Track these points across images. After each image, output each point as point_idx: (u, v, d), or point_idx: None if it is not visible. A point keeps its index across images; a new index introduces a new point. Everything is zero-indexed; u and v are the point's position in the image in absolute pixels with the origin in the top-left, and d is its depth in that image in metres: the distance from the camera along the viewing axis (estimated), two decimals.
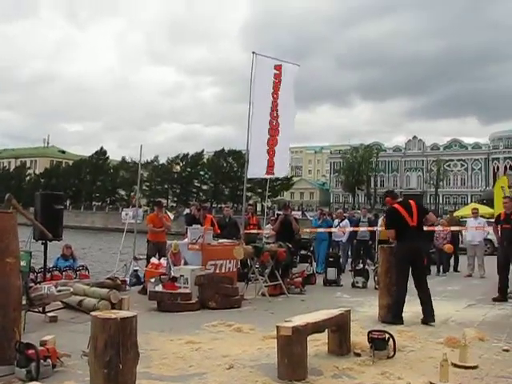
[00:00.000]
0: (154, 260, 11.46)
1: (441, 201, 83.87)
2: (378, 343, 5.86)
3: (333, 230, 16.07)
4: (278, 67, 12.41)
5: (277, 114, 12.29)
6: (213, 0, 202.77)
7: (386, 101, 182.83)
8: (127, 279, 11.94)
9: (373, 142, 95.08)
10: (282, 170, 13.21)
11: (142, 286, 11.16)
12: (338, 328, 6.09)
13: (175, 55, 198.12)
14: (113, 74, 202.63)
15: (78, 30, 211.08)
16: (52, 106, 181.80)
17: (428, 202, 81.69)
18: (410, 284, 8.27)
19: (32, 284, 7.70)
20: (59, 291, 6.20)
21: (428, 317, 7.96)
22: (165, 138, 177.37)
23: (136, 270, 12.80)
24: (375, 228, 15.59)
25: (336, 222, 16.67)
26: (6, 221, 5.58)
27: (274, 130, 12.30)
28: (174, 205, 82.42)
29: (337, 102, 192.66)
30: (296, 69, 13.04)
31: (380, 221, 16.29)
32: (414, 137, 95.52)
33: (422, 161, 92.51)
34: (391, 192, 9.67)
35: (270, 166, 12.36)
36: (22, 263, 6.50)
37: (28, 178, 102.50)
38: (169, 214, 15.30)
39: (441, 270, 15.92)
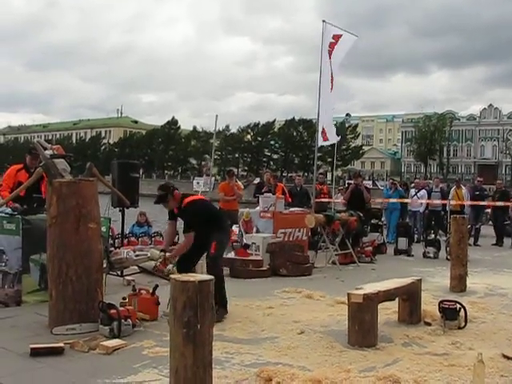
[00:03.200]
0: None
1: None
2: (449, 313, 5.85)
3: (405, 200, 15.87)
4: (336, 37, 12.23)
5: (332, 82, 12.20)
6: None
7: (463, 68, 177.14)
8: None
9: (446, 110, 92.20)
10: (333, 137, 13.08)
11: None
12: (409, 297, 6.11)
13: (250, 25, 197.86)
14: (188, 44, 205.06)
15: (153, 1, 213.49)
16: (128, 78, 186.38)
17: (504, 172, 79.05)
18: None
19: (112, 248, 8.05)
20: (137, 256, 6.46)
21: None
22: (238, 107, 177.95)
23: None
24: (448, 199, 15.31)
25: (413, 191, 16.41)
26: (88, 188, 5.85)
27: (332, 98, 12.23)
28: (245, 174, 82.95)
29: (412, 70, 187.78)
30: (353, 39, 12.84)
31: (452, 191, 16.02)
32: (490, 105, 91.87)
33: (498, 130, 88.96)
34: None
35: (324, 133, 12.31)
36: (102, 229, 6.79)
37: (103, 147, 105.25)
38: (239, 182, 15.50)
39: None
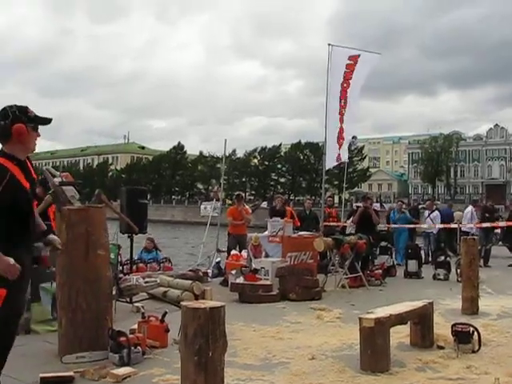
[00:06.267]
0: (234, 252, 11.66)
1: None
2: (463, 336, 5.77)
3: (422, 225, 15.90)
4: (354, 58, 12.34)
5: (344, 102, 12.26)
6: None
7: (473, 88, 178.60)
8: (209, 271, 12.22)
9: (452, 131, 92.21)
10: (344, 156, 13.15)
11: (223, 277, 11.37)
12: (421, 320, 6.05)
13: (261, 48, 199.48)
14: (199, 69, 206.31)
15: (166, 27, 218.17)
16: (138, 104, 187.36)
17: None
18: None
19: (121, 275, 8.04)
20: (146, 282, 6.45)
21: None
22: (248, 131, 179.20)
23: (218, 262, 13.05)
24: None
25: (426, 213, 16.42)
26: (96, 215, 5.86)
27: (341, 119, 12.29)
28: (252, 198, 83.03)
29: (422, 91, 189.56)
30: (376, 57, 12.92)
31: (467, 211, 16.06)
32: (496, 125, 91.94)
33: (505, 149, 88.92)
34: None
35: (339, 154, 12.36)
36: (111, 255, 6.79)
37: (110, 173, 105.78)
38: (247, 207, 15.51)
39: None
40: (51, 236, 4.12)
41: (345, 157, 13.23)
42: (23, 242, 3.73)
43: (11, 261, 3.49)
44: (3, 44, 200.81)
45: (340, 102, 12.20)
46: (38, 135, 3.83)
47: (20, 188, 3.61)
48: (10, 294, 3.51)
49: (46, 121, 3.88)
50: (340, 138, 12.24)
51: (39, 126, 3.83)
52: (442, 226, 15.73)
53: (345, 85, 12.24)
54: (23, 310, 4.01)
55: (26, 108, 3.76)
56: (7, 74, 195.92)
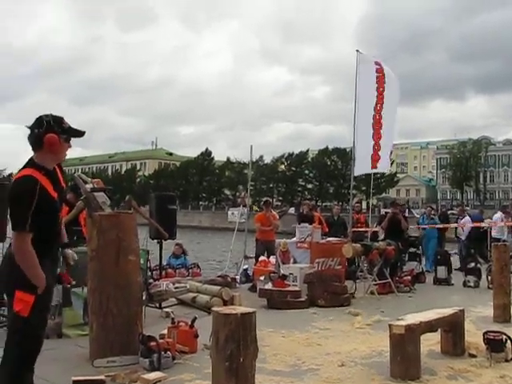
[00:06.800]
0: (262, 258, 11.67)
1: None
2: (495, 345, 5.67)
3: (441, 226, 15.73)
4: (380, 70, 12.36)
5: (381, 107, 12.20)
6: None
7: (502, 93, 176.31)
8: (237, 277, 12.24)
9: (481, 136, 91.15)
10: (384, 166, 13.08)
11: (251, 283, 11.38)
12: (452, 328, 5.98)
13: (288, 54, 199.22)
14: (227, 75, 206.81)
15: (194, 35, 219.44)
16: (166, 110, 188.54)
17: None
18: None
19: (151, 280, 8.10)
20: (176, 288, 6.49)
21: None
22: (275, 137, 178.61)
23: (246, 269, 13.08)
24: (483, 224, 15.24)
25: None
26: (127, 221, 5.92)
27: (377, 124, 12.22)
28: (279, 204, 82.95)
29: (450, 95, 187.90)
30: (394, 77, 13.01)
31: (497, 217, 15.87)
32: None
33: None
34: None
35: (375, 160, 12.28)
36: (141, 261, 6.85)
37: (138, 179, 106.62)
38: (274, 213, 15.52)
39: None
40: (66, 250, 4.19)
41: (386, 166, 13.16)
42: (50, 251, 3.81)
43: (42, 272, 3.63)
44: (34, 53, 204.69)
45: (376, 106, 12.14)
46: (70, 146, 3.89)
47: (48, 198, 3.68)
48: (37, 301, 3.63)
49: (79, 133, 3.94)
50: (376, 144, 12.16)
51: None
52: (472, 225, 15.63)
53: (380, 89, 12.19)
54: (48, 315, 4.13)
55: (61, 119, 3.83)
56: (38, 82, 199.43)
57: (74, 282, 6.07)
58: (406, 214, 16.90)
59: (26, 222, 3.52)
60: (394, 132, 13.01)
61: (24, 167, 3.73)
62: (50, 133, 3.68)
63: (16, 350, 3.68)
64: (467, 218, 16.13)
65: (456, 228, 16.56)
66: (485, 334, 5.82)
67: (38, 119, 3.75)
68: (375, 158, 12.27)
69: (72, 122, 3.91)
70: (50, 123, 3.71)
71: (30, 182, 3.58)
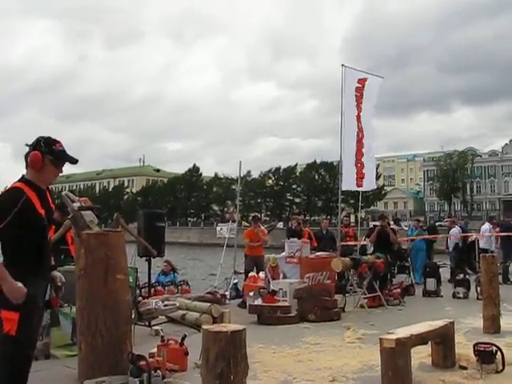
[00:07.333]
0: (252, 274, 11.64)
1: None
2: (486, 356, 5.67)
3: (427, 236, 15.83)
4: (362, 80, 12.43)
5: (360, 125, 12.30)
6: (312, 15, 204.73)
7: (488, 105, 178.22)
8: (227, 293, 12.20)
9: (467, 147, 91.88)
10: (369, 183, 13.13)
11: (241, 299, 11.34)
12: (442, 340, 5.98)
13: (276, 70, 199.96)
14: (214, 91, 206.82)
15: (181, 51, 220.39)
16: (154, 127, 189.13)
17: None
18: None
19: (140, 298, 8.05)
20: (165, 306, 6.45)
21: None
22: (263, 152, 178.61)
23: (236, 284, 13.05)
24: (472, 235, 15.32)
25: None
26: (115, 239, 5.86)
27: (359, 143, 12.31)
28: (268, 218, 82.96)
29: (436, 108, 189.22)
30: (379, 81, 13.05)
31: (484, 228, 15.94)
32: (511, 140, 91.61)
33: None
34: None
35: (360, 178, 12.33)
36: (130, 279, 6.79)
37: (126, 196, 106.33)
38: (263, 227, 15.53)
39: None
40: (53, 273, 4.18)
41: (371, 183, 13.24)
42: (38, 268, 3.79)
43: (17, 284, 3.58)
44: (22, 72, 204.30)
45: (358, 124, 12.24)
46: (58, 171, 3.94)
47: (34, 213, 3.70)
48: (22, 318, 3.61)
49: (71, 160, 4.00)
50: (358, 161, 12.22)
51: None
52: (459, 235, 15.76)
53: (358, 108, 12.29)
54: (37, 335, 4.08)
55: (54, 142, 3.88)
56: (26, 100, 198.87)
57: (65, 305, 6.03)
58: (395, 227, 16.95)
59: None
60: (373, 145, 13.00)
61: (15, 182, 3.81)
62: (35, 151, 3.74)
63: (6, 371, 3.65)
64: (455, 229, 16.21)
65: (447, 240, 16.65)
66: (475, 345, 5.83)
67: (34, 140, 3.83)
68: (360, 176, 12.33)
69: (60, 139, 3.93)
70: (39, 143, 3.79)
71: (15, 193, 3.66)
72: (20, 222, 3.56)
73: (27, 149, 3.85)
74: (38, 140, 3.81)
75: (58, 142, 3.88)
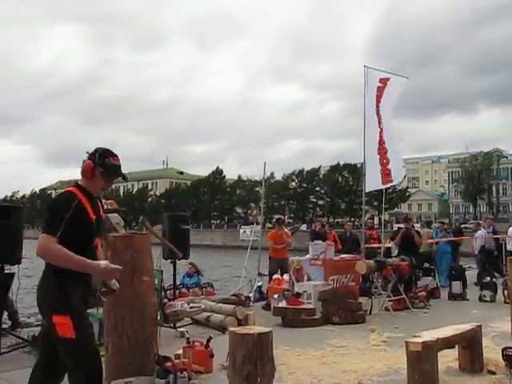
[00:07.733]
0: (276, 276, 11.64)
1: None
2: None
3: (451, 239, 15.67)
4: (384, 80, 12.34)
5: (381, 125, 12.23)
6: (334, 15, 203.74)
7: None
8: (251, 295, 12.21)
9: (493, 148, 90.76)
10: (397, 174, 13.00)
11: (265, 301, 11.34)
12: (469, 344, 5.92)
13: (299, 72, 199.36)
14: (237, 94, 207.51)
15: (204, 54, 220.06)
16: (177, 129, 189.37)
17: None
18: None
19: (166, 301, 8.09)
20: (191, 308, 6.48)
21: None
22: (286, 154, 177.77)
23: (260, 286, 13.05)
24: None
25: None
26: (142, 242, 5.92)
27: (382, 141, 12.22)
28: (291, 221, 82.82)
29: (461, 109, 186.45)
30: (403, 81, 12.94)
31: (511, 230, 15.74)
32: None
33: None
34: None
35: (386, 175, 12.22)
36: (155, 281, 6.84)
37: (150, 199, 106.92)
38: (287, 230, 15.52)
39: None
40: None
41: (399, 177, 13.12)
42: (82, 275, 3.83)
43: (102, 263, 3.74)
44: (47, 76, 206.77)
45: (379, 124, 12.18)
46: (107, 184, 4.03)
47: (85, 216, 3.80)
48: (75, 319, 3.66)
49: (119, 174, 4.07)
50: (383, 158, 12.13)
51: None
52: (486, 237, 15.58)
53: (377, 108, 12.23)
54: (94, 335, 4.13)
55: (110, 154, 3.96)
56: (50, 104, 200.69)
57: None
58: (426, 230, 16.84)
59: (58, 229, 3.60)
60: (395, 142, 12.90)
61: (68, 186, 3.97)
62: (89, 160, 3.87)
63: (82, 376, 3.69)
64: (480, 231, 16.03)
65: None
66: (504, 350, 5.72)
67: (94, 149, 3.96)
68: (385, 173, 12.22)
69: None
70: (95, 153, 3.90)
71: (69, 196, 3.77)
72: (71, 223, 3.64)
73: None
74: (96, 150, 3.91)
75: (114, 157, 3.97)
